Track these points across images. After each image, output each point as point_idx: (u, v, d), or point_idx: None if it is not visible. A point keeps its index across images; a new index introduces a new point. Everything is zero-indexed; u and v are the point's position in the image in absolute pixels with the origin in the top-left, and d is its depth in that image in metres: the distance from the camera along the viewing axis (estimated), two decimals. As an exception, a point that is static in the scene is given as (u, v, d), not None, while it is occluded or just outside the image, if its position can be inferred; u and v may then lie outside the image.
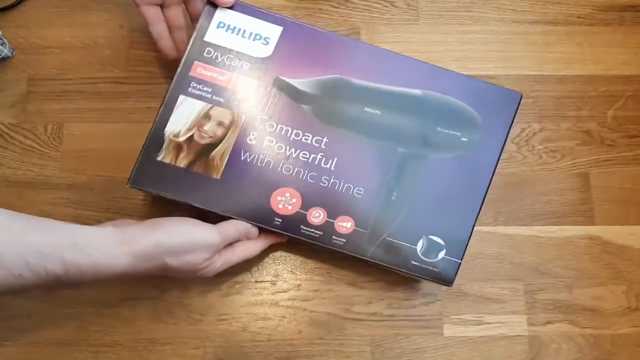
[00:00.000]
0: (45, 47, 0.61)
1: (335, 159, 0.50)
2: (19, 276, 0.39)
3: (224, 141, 0.50)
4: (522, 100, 0.63)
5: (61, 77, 0.61)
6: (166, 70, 0.61)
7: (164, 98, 0.50)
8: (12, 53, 0.60)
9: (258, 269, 0.57)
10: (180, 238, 0.46)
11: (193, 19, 0.55)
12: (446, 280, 0.50)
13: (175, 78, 0.50)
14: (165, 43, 0.55)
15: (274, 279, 0.57)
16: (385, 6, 0.64)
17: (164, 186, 0.49)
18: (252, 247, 0.52)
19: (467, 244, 0.50)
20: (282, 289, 0.57)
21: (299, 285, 0.57)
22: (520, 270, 0.58)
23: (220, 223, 0.49)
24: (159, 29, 0.55)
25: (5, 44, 0.59)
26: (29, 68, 0.61)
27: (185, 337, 0.55)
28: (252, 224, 0.50)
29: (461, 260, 0.50)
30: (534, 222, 0.59)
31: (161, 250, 0.45)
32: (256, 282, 0.57)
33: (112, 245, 0.43)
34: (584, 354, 0.56)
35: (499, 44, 0.64)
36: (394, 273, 0.57)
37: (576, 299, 0.58)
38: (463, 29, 0.64)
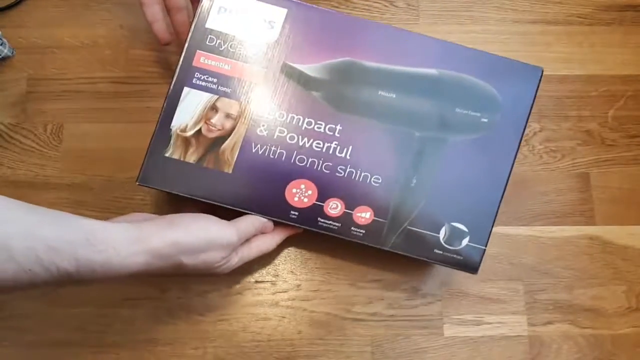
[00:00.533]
0: (45, 47, 0.61)
1: (350, 147, 0.48)
2: (29, 271, 0.38)
3: (233, 133, 0.48)
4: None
5: (61, 77, 0.61)
6: (167, 69, 0.61)
7: (168, 91, 0.48)
8: (12, 53, 0.60)
9: (258, 269, 0.57)
10: (198, 237, 0.44)
11: (193, 0, 0.53)
12: (471, 267, 0.48)
13: (177, 69, 0.48)
14: (160, 26, 0.52)
15: (274, 279, 0.57)
16: (385, 6, 0.64)
17: (174, 183, 0.48)
18: (269, 241, 0.50)
19: (491, 230, 0.48)
20: (282, 289, 0.57)
21: (299, 285, 0.57)
22: (521, 270, 0.58)
23: (236, 220, 0.48)
24: (153, 10, 0.51)
25: (5, 44, 0.59)
26: (29, 68, 0.61)
27: (185, 337, 0.55)
28: (267, 218, 0.49)
29: (485, 246, 0.48)
30: (534, 222, 0.59)
31: (178, 249, 0.43)
32: (256, 282, 0.57)
33: (127, 242, 0.41)
34: (584, 354, 0.56)
35: (499, 44, 0.64)
36: (395, 271, 0.57)
37: (576, 299, 0.58)
38: (463, 28, 0.64)
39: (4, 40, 0.59)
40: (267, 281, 0.57)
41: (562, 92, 0.63)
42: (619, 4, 0.65)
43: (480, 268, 0.58)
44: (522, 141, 0.61)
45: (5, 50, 0.59)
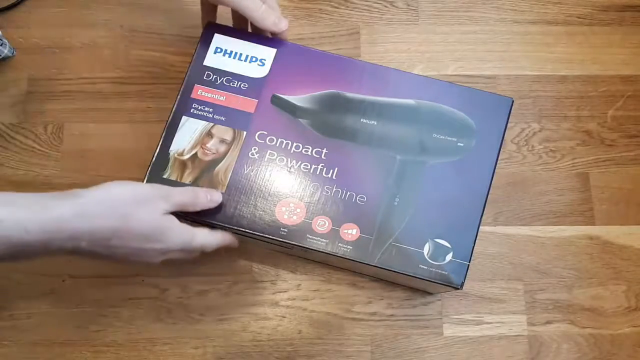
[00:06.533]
0: (45, 47, 0.62)
1: (336, 168, 0.51)
2: None
3: (226, 157, 0.51)
4: (521, 100, 0.63)
5: (61, 77, 0.61)
6: (166, 69, 0.61)
7: (168, 119, 0.52)
8: (12, 53, 0.60)
9: (258, 269, 0.57)
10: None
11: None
12: (455, 282, 0.50)
13: (177, 100, 0.52)
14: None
15: (274, 279, 0.57)
16: (385, 6, 0.65)
17: None
18: (210, 238, 0.49)
19: (473, 246, 0.50)
20: (282, 289, 0.57)
21: (299, 285, 0.57)
22: (520, 270, 0.58)
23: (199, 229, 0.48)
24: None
25: (6, 44, 0.59)
26: (29, 68, 0.61)
27: (185, 337, 0.55)
28: (260, 235, 0.50)
29: (469, 262, 0.50)
30: (534, 222, 0.59)
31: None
32: (256, 282, 0.57)
33: (26, 212, 0.37)
34: (584, 354, 0.56)
35: (498, 44, 0.64)
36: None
37: (576, 299, 0.58)
38: (463, 29, 0.64)
39: (4, 40, 0.60)
40: (267, 281, 0.57)
41: (561, 92, 0.63)
42: (618, 4, 0.65)
43: (481, 268, 0.58)
44: (522, 141, 0.61)
45: (6, 51, 0.59)
